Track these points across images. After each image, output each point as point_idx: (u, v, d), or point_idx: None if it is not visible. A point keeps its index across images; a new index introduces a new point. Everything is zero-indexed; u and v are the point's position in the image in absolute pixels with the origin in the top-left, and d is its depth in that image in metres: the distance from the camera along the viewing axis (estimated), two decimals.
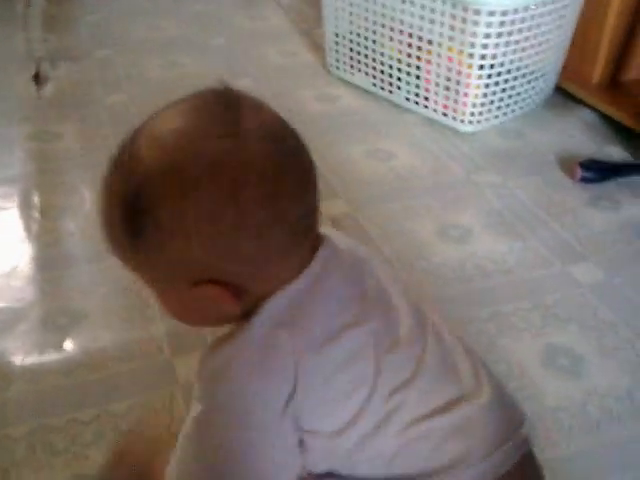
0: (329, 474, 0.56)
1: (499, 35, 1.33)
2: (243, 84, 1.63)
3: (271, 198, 0.49)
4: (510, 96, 1.45)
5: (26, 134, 1.41)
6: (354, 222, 1.15)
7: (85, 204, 1.20)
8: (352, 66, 1.63)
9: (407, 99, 1.53)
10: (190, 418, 0.53)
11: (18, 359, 0.88)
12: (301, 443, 0.53)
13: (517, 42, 1.37)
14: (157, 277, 0.54)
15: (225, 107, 0.50)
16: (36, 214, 1.17)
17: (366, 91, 1.61)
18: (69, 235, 1.12)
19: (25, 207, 1.19)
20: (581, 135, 1.42)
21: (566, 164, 1.31)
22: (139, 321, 0.94)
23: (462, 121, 1.43)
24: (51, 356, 0.89)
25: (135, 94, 1.58)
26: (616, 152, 1.36)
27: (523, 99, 1.49)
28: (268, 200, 0.49)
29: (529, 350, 0.91)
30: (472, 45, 1.33)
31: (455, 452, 0.54)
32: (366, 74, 1.61)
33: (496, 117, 1.46)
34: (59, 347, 0.90)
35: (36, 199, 1.21)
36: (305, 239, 0.53)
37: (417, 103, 1.51)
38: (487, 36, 1.32)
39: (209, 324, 0.61)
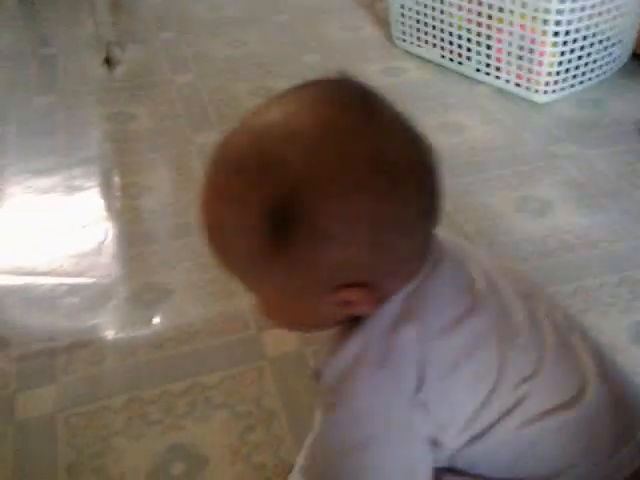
0: (449, 469, 0.57)
1: None
2: (309, 60, 1.65)
3: (418, 194, 0.48)
4: (586, 64, 1.41)
5: (102, 115, 1.45)
6: None
7: (163, 182, 1.22)
8: (419, 38, 1.61)
9: (478, 70, 1.50)
10: (317, 423, 0.53)
11: (110, 334, 0.91)
12: (431, 439, 0.52)
13: (593, 7, 1.32)
14: (289, 286, 0.51)
15: (359, 101, 0.48)
16: (117, 193, 1.20)
17: (434, 63, 1.58)
18: (150, 212, 1.15)
19: (106, 186, 1.22)
20: None
21: None
22: (223, 295, 0.96)
23: (537, 91, 1.39)
24: (141, 331, 0.91)
25: (202, 73, 1.60)
26: None
27: (599, 66, 1.44)
28: (416, 196, 0.48)
29: (618, 326, 0.89)
30: (546, 11, 1.30)
31: (580, 449, 0.54)
32: (434, 46, 1.58)
33: (572, 86, 1.42)
34: (148, 322, 0.93)
35: (116, 178, 1.24)
36: (432, 235, 0.53)
37: (488, 74, 1.48)
38: (562, 1, 1.28)
39: (319, 328, 0.58)
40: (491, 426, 0.53)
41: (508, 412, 0.53)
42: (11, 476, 0.73)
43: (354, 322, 0.52)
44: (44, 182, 1.24)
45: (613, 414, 0.55)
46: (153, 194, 1.19)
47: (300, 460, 0.58)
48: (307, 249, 0.47)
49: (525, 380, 0.53)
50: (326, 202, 0.45)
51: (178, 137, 1.36)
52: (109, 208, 1.16)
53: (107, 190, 1.21)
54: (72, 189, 1.22)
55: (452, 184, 1.16)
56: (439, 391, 0.51)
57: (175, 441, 0.77)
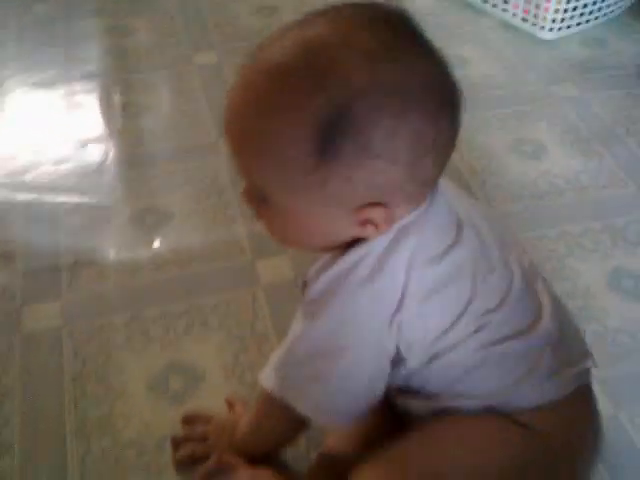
0: (401, 389, 0.62)
1: None
2: None
3: (452, 122, 0.50)
4: (594, 2, 1.39)
5: (101, 28, 1.44)
6: None
7: (163, 103, 1.23)
8: None
9: (484, 1, 1.48)
10: (296, 324, 0.57)
11: (112, 254, 0.95)
12: (396, 356, 0.57)
13: None
14: (319, 200, 0.51)
15: (408, 25, 0.51)
16: (117, 112, 1.21)
17: None
18: (150, 133, 1.16)
19: (106, 104, 1.23)
20: None
21: None
22: (221, 221, 0.99)
23: (542, 27, 1.38)
24: (142, 252, 0.95)
25: None
26: None
27: (607, 5, 1.43)
28: (451, 124, 0.50)
29: (596, 271, 0.93)
30: None
31: (520, 374, 0.58)
32: None
33: (578, 24, 1.41)
34: (149, 244, 0.96)
35: (116, 96, 1.24)
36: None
37: (495, 6, 1.46)
38: None
39: (323, 249, 0.58)
40: (450, 348, 0.57)
41: (467, 337, 0.57)
42: (19, 386, 0.78)
43: (346, 248, 0.55)
44: (44, 96, 1.24)
45: (556, 347, 0.60)
46: (153, 114, 1.20)
47: (273, 359, 0.62)
48: (350, 164, 0.48)
49: (489, 311, 0.57)
50: (379, 118, 0.46)
51: (178, 56, 1.35)
52: (109, 127, 1.18)
53: (107, 108, 1.22)
54: (73, 105, 1.22)
55: None
56: (414, 314, 0.55)
57: (174, 358, 0.82)
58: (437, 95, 0.49)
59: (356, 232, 0.53)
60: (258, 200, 0.54)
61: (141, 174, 1.08)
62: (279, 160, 0.49)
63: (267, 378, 0.61)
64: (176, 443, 0.71)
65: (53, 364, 0.80)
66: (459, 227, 0.57)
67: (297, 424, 0.63)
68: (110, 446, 0.72)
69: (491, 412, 0.59)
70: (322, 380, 0.56)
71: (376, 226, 0.52)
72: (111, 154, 1.12)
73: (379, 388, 0.58)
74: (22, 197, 1.04)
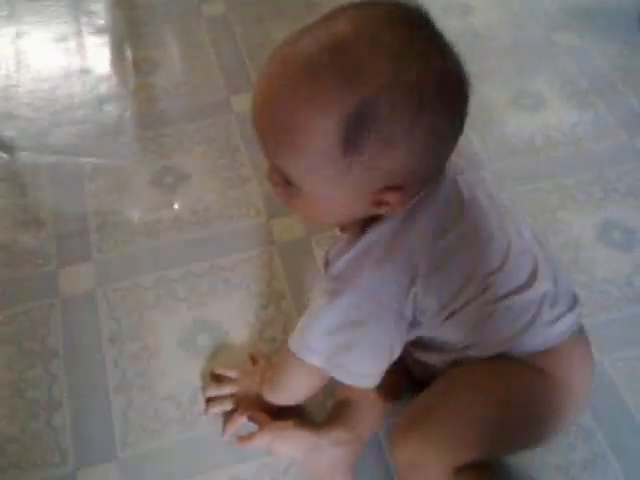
0: (417, 344, 0.70)
1: None
2: None
3: (462, 112, 0.57)
4: None
5: None
6: None
7: (175, 59, 1.27)
8: None
9: None
10: (320, 297, 0.64)
11: (137, 215, 1.02)
12: (412, 320, 0.65)
13: None
14: (342, 183, 0.56)
15: (426, 24, 0.55)
16: (130, 69, 1.25)
17: None
18: (164, 92, 1.21)
19: (119, 60, 1.27)
20: None
21: None
22: (236, 182, 1.06)
23: None
24: (164, 214, 1.02)
25: None
26: None
27: None
28: (461, 114, 0.57)
29: (587, 223, 1.00)
30: None
31: (523, 324, 0.66)
32: None
33: None
34: (169, 206, 1.03)
35: (128, 52, 1.28)
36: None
37: None
38: None
39: (341, 222, 0.66)
40: (460, 309, 0.65)
41: (475, 297, 0.65)
42: (61, 347, 0.87)
43: (368, 222, 0.62)
44: (60, 53, 1.27)
45: (553, 298, 0.67)
46: (166, 71, 1.24)
47: (300, 326, 0.68)
48: (373, 155, 0.54)
49: (492, 273, 0.65)
50: (401, 112, 0.52)
51: (186, 6, 1.37)
52: (123, 85, 1.22)
53: (120, 65, 1.26)
54: (86, 61, 1.26)
55: None
56: (427, 284, 0.63)
57: (200, 316, 0.90)
58: (450, 90, 0.55)
59: (373, 211, 0.60)
60: (283, 181, 0.59)
61: (157, 134, 1.13)
62: (307, 148, 0.54)
63: (296, 344, 0.68)
64: (208, 399, 0.81)
65: (91, 325, 0.89)
66: (461, 202, 0.64)
67: (319, 382, 0.72)
68: (149, 399, 0.82)
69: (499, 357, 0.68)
70: (349, 350, 0.64)
71: (391, 207, 0.59)
72: (127, 114, 1.17)
73: (397, 350, 0.67)
74: (46, 160, 1.10)
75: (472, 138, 1.12)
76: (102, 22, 1.34)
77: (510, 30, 1.31)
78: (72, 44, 1.29)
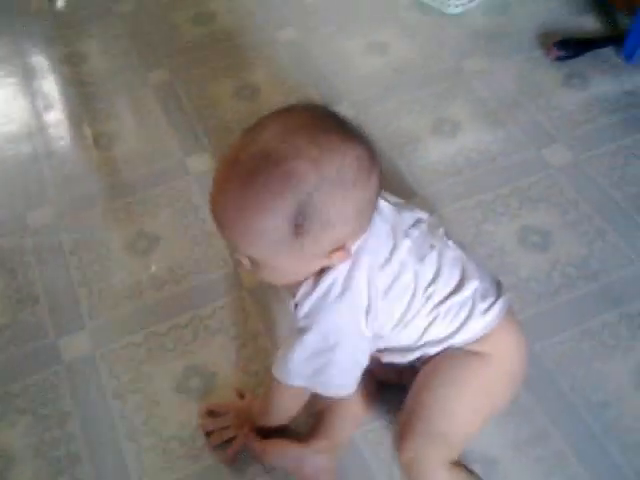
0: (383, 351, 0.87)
1: None
2: None
3: (379, 175, 0.73)
4: None
5: (56, 58, 1.57)
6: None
7: (129, 129, 1.39)
8: None
9: None
10: (292, 334, 0.79)
11: (118, 281, 1.15)
12: (373, 336, 0.81)
13: None
14: (298, 256, 0.71)
15: (336, 122, 0.71)
16: (90, 143, 1.37)
17: None
18: (124, 162, 1.34)
19: (78, 137, 1.39)
20: (560, 8, 1.56)
21: (544, 41, 1.47)
22: (203, 237, 1.19)
23: (449, 3, 1.55)
24: (143, 276, 1.15)
25: (141, 2, 1.69)
26: (590, 22, 1.51)
27: None
28: (377, 180, 0.72)
29: (507, 232, 1.17)
30: None
31: (464, 318, 0.83)
32: None
33: None
34: (147, 268, 1.16)
35: (85, 128, 1.40)
36: None
37: None
38: None
39: (301, 280, 0.78)
40: (412, 318, 0.82)
41: (421, 307, 0.82)
42: (73, 407, 1.00)
43: (321, 272, 0.77)
44: (20, 138, 1.39)
45: (483, 291, 0.84)
46: (123, 143, 1.37)
47: (280, 356, 0.82)
48: (317, 234, 0.69)
49: (430, 284, 0.81)
50: (331, 200, 0.68)
51: (133, 77, 1.50)
52: (87, 162, 1.34)
53: (81, 142, 1.38)
54: (50, 144, 1.38)
55: (379, 110, 1.38)
56: (381, 307, 0.79)
57: (189, 362, 1.04)
58: (366, 168, 0.70)
59: (325, 264, 0.76)
60: (250, 262, 0.74)
61: (124, 203, 1.26)
62: (265, 241, 0.70)
63: (280, 373, 0.81)
64: (207, 433, 0.95)
65: (95, 384, 1.02)
66: (395, 232, 0.80)
67: (303, 400, 0.87)
68: (157, 442, 0.96)
69: (449, 350, 0.84)
70: (325, 370, 0.79)
71: (340, 260, 0.75)
72: (95, 189, 1.29)
73: (365, 361, 0.82)
74: (28, 242, 1.21)
75: (401, 168, 1.27)
76: (56, 102, 1.46)
77: (423, 62, 1.47)
78: (33, 127, 1.41)
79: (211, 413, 0.97)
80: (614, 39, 1.45)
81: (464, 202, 1.21)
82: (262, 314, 1.09)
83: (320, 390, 0.83)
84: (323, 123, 0.70)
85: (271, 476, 0.92)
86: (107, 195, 1.28)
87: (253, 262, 0.74)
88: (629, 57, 1.42)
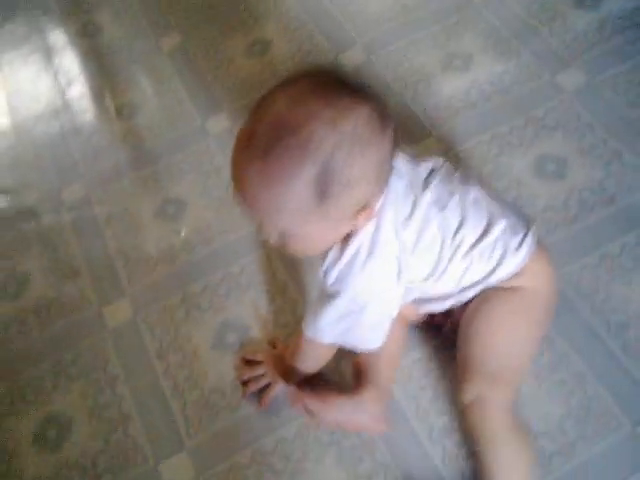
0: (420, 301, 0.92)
1: None
2: None
3: (393, 134, 0.73)
4: None
5: (72, 31, 1.60)
6: (372, 71, 1.35)
7: (148, 98, 1.43)
8: None
9: None
10: (321, 295, 0.83)
11: (152, 248, 1.21)
12: (405, 291, 0.84)
13: None
14: (325, 221, 0.72)
15: (350, 83, 0.71)
16: (113, 115, 1.42)
17: None
18: (147, 131, 1.38)
19: (101, 109, 1.44)
20: None
21: None
22: (227, 199, 1.24)
23: None
24: (174, 240, 1.21)
25: None
26: None
27: None
28: (392, 137, 0.73)
29: (524, 163, 1.17)
30: None
31: (497, 258, 0.86)
32: None
33: None
34: (178, 233, 1.22)
35: (107, 100, 1.45)
36: None
37: None
38: None
39: (328, 247, 0.81)
40: (446, 268, 0.85)
41: (453, 255, 0.85)
42: (121, 370, 1.08)
43: (347, 238, 0.79)
44: (48, 116, 1.45)
45: (512, 228, 0.86)
46: (144, 112, 1.41)
47: (310, 314, 0.87)
48: (340, 196, 0.69)
49: (457, 230, 0.84)
50: (350, 162, 0.68)
51: (146, 44, 1.53)
52: (112, 134, 1.39)
53: (104, 114, 1.43)
54: (75, 120, 1.43)
55: (391, 51, 1.37)
56: (411, 262, 0.82)
57: (224, 319, 1.10)
58: (379, 124, 0.71)
59: (352, 228, 0.78)
60: (280, 237, 0.76)
61: (150, 171, 1.31)
62: (291, 211, 0.70)
63: (311, 331, 0.86)
64: (243, 382, 1.02)
65: (139, 347, 1.10)
66: (413, 187, 0.82)
67: (331, 353, 0.93)
68: (200, 396, 1.03)
69: (486, 291, 0.88)
70: (355, 328, 0.83)
71: (367, 220, 0.77)
72: (120, 159, 1.34)
73: (395, 313, 0.85)
74: (65, 217, 1.28)
75: (415, 107, 1.28)
76: (77, 76, 1.50)
77: None
78: (59, 105, 1.46)
79: (247, 363, 1.04)
80: None
81: (480, 137, 1.22)
82: (288, 267, 1.14)
83: (350, 346, 0.87)
84: (332, 86, 0.71)
85: (307, 420, 0.98)
86: (133, 165, 1.33)
87: (281, 235, 0.75)
88: None
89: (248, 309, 1.11)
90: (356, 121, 0.68)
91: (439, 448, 0.94)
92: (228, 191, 1.25)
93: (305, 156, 0.67)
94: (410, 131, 1.24)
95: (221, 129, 1.34)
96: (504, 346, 0.88)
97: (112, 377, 1.08)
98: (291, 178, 0.68)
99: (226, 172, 1.25)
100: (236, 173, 0.72)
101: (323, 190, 0.68)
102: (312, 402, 0.94)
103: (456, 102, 1.27)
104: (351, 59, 1.38)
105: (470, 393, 0.86)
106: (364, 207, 0.74)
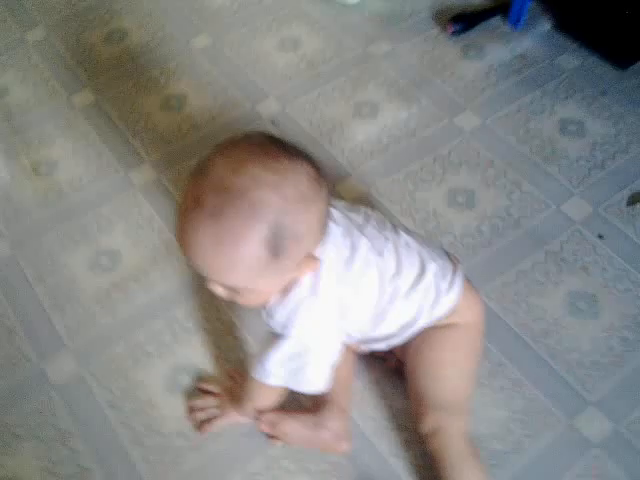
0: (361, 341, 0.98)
1: None
2: None
3: (328, 184, 0.78)
4: None
5: None
6: (288, 119, 1.45)
7: (67, 153, 1.43)
8: None
9: None
10: (269, 340, 0.87)
11: (89, 300, 1.20)
12: (345, 336, 0.91)
13: None
14: (277, 273, 0.76)
15: (284, 147, 0.75)
16: (32, 174, 1.40)
17: None
18: (68, 186, 1.37)
19: (19, 170, 1.41)
20: None
21: (439, 19, 1.61)
22: (161, 247, 1.26)
23: None
24: (112, 289, 1.21)
25: (52, 24, 1.70)
26: None
27: None
28: (328, 196, 0.79)
29: (437, 196, 1.30)
30: None
31: (432, 300, 0.94)
32: None
33: None
34: (114, 283, 1.22)
35: (24, 159, 1.42)
36: None
37: None
38: None
39: (275, 295, 0.83)
40: (383, 312, 0.93)
41: (391, 299, 0.92)
42: (73, 424, 1.06)
43: (288, 286, 0.83)
44: None
45: (442, 270, 0.95)
46: (63, 167, 1.40)
47: (258, 359, 0.90)
48: (292, 250, 0.74)
49: (395, 275, 0.91)
50: (298, 218, 0.72)
51: (57, 102, 1.53)
52: (33, 189, 1.37)
53: (22, 173, 1.40)
54: None
55: (304, 101, 1.47)
56: (351, 304, 0.88)
57: (173, 362, 1.12)
58: (316, 181, 0.77)
59: (297, 276, 0.82)
60: (230, 292, 0.79)
61: (79, 224, 1.31)
62: (245, 269, 0.73)
63: (258, 373, 0.89)
64: (191, 410, 1.05)
65: (88, 399, 1.08)
66: (350, 232, 0.89)
67: (280, 393, 0.96)
68: (161, 442, 1.04)
69: (428, 328, 0.96)
70: (300, 371, 0.87)
71: (309, 268, 0.81)
72: (46, 214, 1.33)
73: (336, 358, 0.90)
74: None
75: (334, 154, 1.38)
76: None
77: (334, 52, 1.58)
78: None
79: (203, 392, 1.07)
80: (501, 9, 1.60)
81: (395, 175, 1.33)
82: (233, 308, 1.17)
83: (296, 388, 0.90)
84: (269, 149, 0.74)
85: (275, 450, 1.01)
86: (59, 220, 1.32)
87: (232, 290, 0.79)
88: (515, 24, 1.58)
89: (198, 350, 1.13)
90: (297, 182, 0.73)
91: (404, 462, 1.00)
92: (163, 240, 1.27)
93: (255, 218, 0.70)
94: (331, 173, 1.34)
95: (146, 180, 1.37)
96: (452, 380, 0.96)
97: (64, 433, 1.05)
98: (244, 238, 0.71)
99: (155, 220, 1.30)
100: (184, 236, 0.74)
101: (275, 247, 0.72)
102: (276, 415, 0.99)
103: (369, 146, 1.39)
104: (267, 109, 1.46)
105: (428, 425, 0.94)
106: (308, 255, 0.78)
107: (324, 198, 0.78)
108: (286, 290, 0.83)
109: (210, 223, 0.71)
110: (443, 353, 0.97)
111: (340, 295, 0.86)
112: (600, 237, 1.22)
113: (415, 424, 0.97)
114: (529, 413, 1.04)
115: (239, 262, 0.73)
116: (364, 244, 0.88)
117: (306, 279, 0.83)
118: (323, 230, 0.80)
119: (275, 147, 0.76)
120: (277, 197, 0.71)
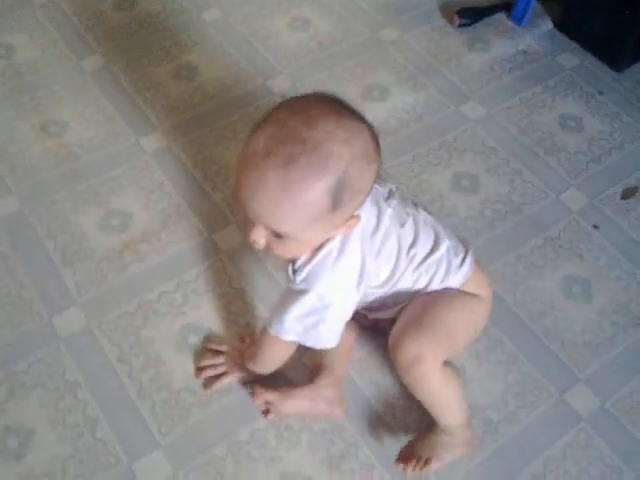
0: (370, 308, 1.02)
1: None
2: None
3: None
4: None
5: None
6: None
7: (76, 116, 1.44)
8: None
9: None
10: (288, 294, 0.91)
11: (102, 258, 1.22)
12: (361, 297, 0.93)
13: None
14: (327, 227, 0.81)
15: (349, 107, 0.81)
16: (40, 132, 1.40)
17: None
18: (80, 147, 1.38)
19: (28, 128, 1.41)
20: None
21: (445, 12, 1.65)
22: (172, 210, 1.28)
23: None
24: (123, 250, 1.23)
25: None
26: None
27: None
28: (381, 160, 0.84)
29: (443, 179, 1.35)
30: None
31: (444, 273, 0.99)
32: None
33: None
34: (125, 242, 1.24)
35: (34, 119, 1.43)
36: None
37: None
38: None
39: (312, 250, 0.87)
40: (399, 278, 0.97)
41: (405, 268, 0.96)
42: (80, 376, 1.08)
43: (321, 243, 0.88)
44: None
45: (454, 248, 1.00)
46: (73, 129, 1.41)
47: (274, 313, 0.93)
48: (349, 203, 0.79)
49: (411, 246, 0.96)
50: (360, 173, 0.78)
51: (67, 66, 1.53)
52: (44, 151, 1.37)
53: (33, 133, 1.40)
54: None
55: (314, 81, 1.50)
56: (372, 268, 0.92)
57: (184, 322, 1.14)
58: (377, 142, 0.83)
59: (339, 233, 0.86)
60: (273, 240, 0.82)
61: (90, 185, 1.32)
62: (307, 215, 0.78)
63: (276, 328, 0.92)
64: (199, 368, 1.08)
65: (97, 353, 1.10)
66: (378, 202, 0.93)
67: (289, 353, 0.99)
68: (168, 396, 1.06)
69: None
70: (317, 326, 0.90)
71: (352, 227, 0.85)
72: (57, 173, 1.33)
73: (349, 316, 0.94)
74: (2, 235, 1.26)
75: None
76: None
77: (344, 35, 1.61)
78: None
79: (211, 352, 1.10)
80: (505, 6, 1.66)
81: (403, 158, 1.38)
82: (244, 274, 1.20)
83: (310, 343, 0.93)
84: (339, 108, 0.80)
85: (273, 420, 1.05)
86: (70, 180, 1.33)
87: (277, 238, 0.81)
88: (519, 21, 1.64)
89: (208, 312, 1.15)
90: (364, 141, 0.80)
91: (402, 425, 1.05)
92: (173, 204, 1.29)
93: (326, 169, 0.75)
94: None
95: (157, 147, 1.38)
96: (445, 314, 0.98)
97: (72, 384, 1.07)
98: (313, 187, 0.76)
99: (168, 187, 1.32)
100: (248, 182, 0.77)
101: (337, 199, 0.77)
102: (273, 394, 1.03)
103: (378, 128, 1.42)
104: (279, 85, 1.49)
105: (409, 350, 0.93)
106: (355, 215, 0.84)
107: (379, 161, 0.83)
108: (317, 248, 0.87)
109: (281, 171, 0.75)
110: (445, 299, 0.99)
111: (361, 261, 0.90)
112: (595, 227, 1.28)
113: (395, 356, 0.96)
114: (524, 386, 1.09)
115: (301, 208, 0.77)
116: (388, 215, 0.93)
117: (337, 239, 0.87)
118: (370, 192, 0.85)
119: (343, 107, 0.81)
120: (347, 152, 0.76)
